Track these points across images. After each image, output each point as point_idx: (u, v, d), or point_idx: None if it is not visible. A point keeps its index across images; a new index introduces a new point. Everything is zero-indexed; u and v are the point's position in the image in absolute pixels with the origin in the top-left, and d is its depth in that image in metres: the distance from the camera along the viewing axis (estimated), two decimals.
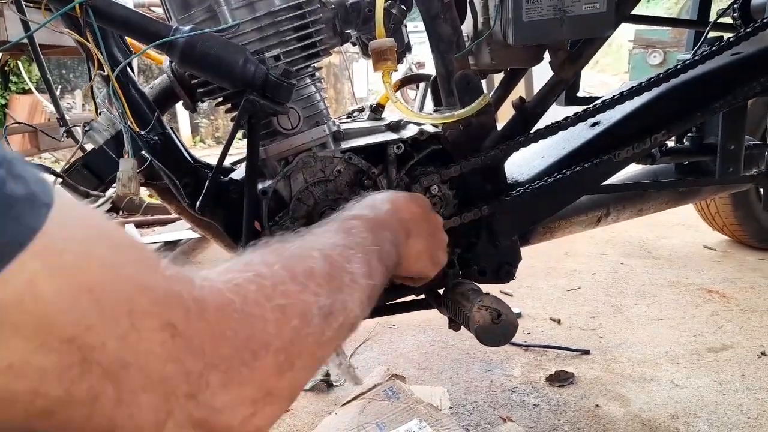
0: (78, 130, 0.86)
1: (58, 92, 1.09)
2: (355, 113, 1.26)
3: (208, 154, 7.26)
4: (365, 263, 0.56)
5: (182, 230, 2.67)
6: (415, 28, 2.04)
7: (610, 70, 11.34)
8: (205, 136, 8.60)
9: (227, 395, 0.38)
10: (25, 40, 0.91)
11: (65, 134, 0.92)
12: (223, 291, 0.41)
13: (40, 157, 6.43)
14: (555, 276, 2.33)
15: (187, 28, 0.83)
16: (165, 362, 0.34)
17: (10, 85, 7.10)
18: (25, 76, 6.14)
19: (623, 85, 1.58)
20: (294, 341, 0.44)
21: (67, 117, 1.03)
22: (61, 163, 6.17)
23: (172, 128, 1.04)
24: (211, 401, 0.37)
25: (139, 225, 3.19)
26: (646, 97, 1.13)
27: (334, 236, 0.57)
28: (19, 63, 4.74)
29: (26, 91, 7.19)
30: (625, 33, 8.03)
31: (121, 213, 3.43)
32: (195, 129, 8.38)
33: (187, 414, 0.36)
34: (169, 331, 0.35)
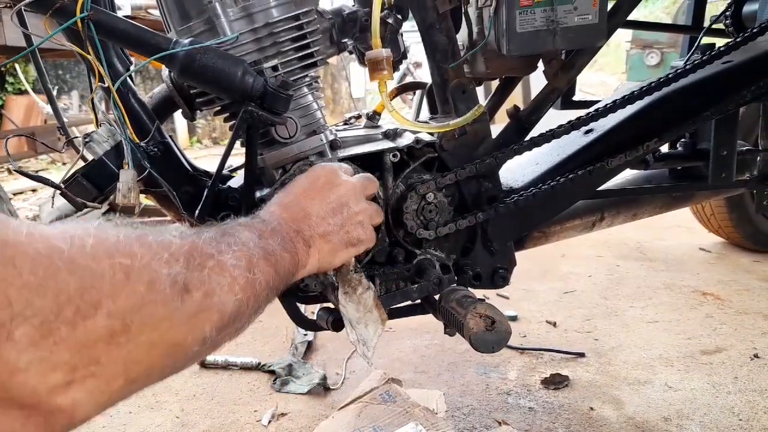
0: (79, 141, 0.88)
1: (54, 92, 1.10)
2: (352, 120, 1.28)
3: (205, 155, 7.27)
4: (242, 257, 0.52)
5: None
6: (413, 27, 2.05)
7: (609, 69, 11.36)
8: (202, 136, 8.61)
9: (36, 353, 0.32)
10: (25, 44, 0.93)
11: (66, 144, 0.94)
12: (49, 237, 0.35)
13: (37, 159, 6.44)
14: (551, 279, 2.34)
15: (186, 40, 0.84)
16: None
17: (6, 85, 7.09)
18: (22, 77, 6.14)
19: (620, 86, 1.59)
20: (136, 308, 0.38)
21: (64, 119, 1.04)
22: (57, 165, 6.14)
23: (170, 136, 1.05)
24: (12, 358, 0.31)
25: None
26: (638, 105, 1.15)
27: (210, 233, 0.53)
28: (16, 65, 4.74)
29: (23, 92, 7.19)
30: (623, 33, 8.05)
31: (118, 214, 3.44)
32: (192, 130, 8.38)
33: None
34: None
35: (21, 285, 0.32)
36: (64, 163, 6.15)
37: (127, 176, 0.84)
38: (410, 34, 1.98)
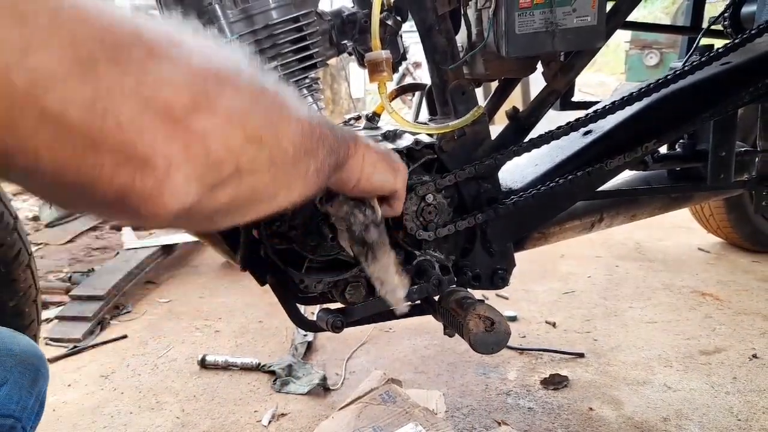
0: None
1: None
2: (352, 121, 1.28)
3: None
4: (303, 106, 0.52)
5: (180, 234, 2.69)
6: (412, 27, 2.06)
7: (608, 70, 11.36)
8: None
9: (162, 66, 0.35)
10: None
11: None
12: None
13: None
14: (550, 279, 2.35)
15: None
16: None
17: None
18: None
19: (619, 87, 1.60)
20: (255, 78, 0.43)
21: None
22: None
23: None
24: (155, 70, 0.35)
25: (136, 228, 3.20)
26: (637, 106, 1.15)
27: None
28: None
29: None
30: (622, 33, 8.05)
31: None
32: None
33: (116, 77, 0.33)
34: None
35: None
36: None
37: None
38: (409, 35, 1.98)
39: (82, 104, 0.31)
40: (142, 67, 0.34)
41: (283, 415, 1.49)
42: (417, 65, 7.23)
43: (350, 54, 1.17)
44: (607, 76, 10.91)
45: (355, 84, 9.44)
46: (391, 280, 0.78)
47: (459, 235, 1.11)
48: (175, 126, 0.36)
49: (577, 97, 1.57)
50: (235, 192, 0.42)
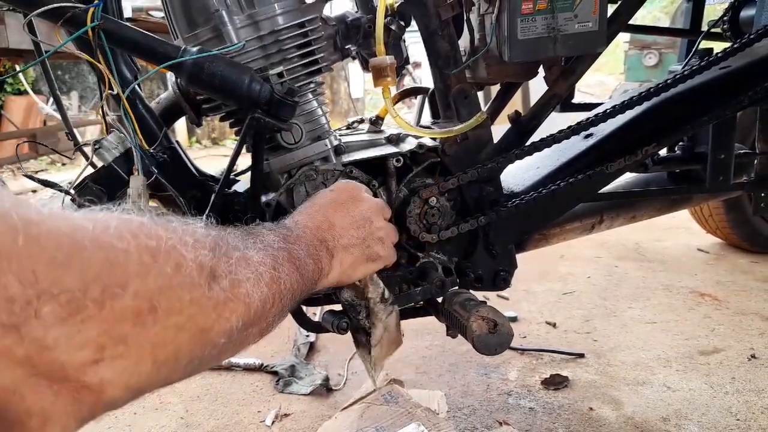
0: (88, 147, 0.89)
1: None
2: (355, 124, 1.30)
3: (204, 155, 7.28)
4: (267, 255, 0.51)
5: None
6: (411, 28, 2.06)
7: (607, 70, 11.37)
8: (201, 137, 8.62)
9: (63, 330, 0.32)
10: (30, 47, 0.94)
11: (75, 150, 0.95)
12: (72, 218, 0.35)
13: (37, 160, 6.45)
14: (550, 279, 2.36)
15: (194, 48, 0.86)
16: None
17: (6, 86, 7.09)
18: (22, 77, 6.14)
19: (619, 87, 1.61)
20: (164, 290, 0.37)
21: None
22: (57, 166, 6.13)
23: (177, 142, 1.07)
24: (40, 335, 0.31)
25: None
26: (637, 110, 1.17)
27: (234, 231, 0.53)
28: (16, 66, 4.75)
29: (22, 92, 7.20)
30: (622, 34, 8.04)
31: None
32: (191, 130, 8.39)
33: (5, 348, 0.30)
34: None
35: (47, 262, 0.31)
36: (63, 164, 6.16)
37: (137, 182, 0.86)
38: (409, 34, 1.99)
39: None
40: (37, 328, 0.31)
41: (286, 415, 1.51)
42: (417, 65, 7.25)
43: (354, 58, 1.18)
44: (606, 76, 10.93)
45: (355, 84, 9.46)
46: (378, 348, 0.85)
47: (462, 238, 1.13)
48: (63, 385, 0.33)
49: (576, 97, 1.58)
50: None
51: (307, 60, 1.00)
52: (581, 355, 1.73)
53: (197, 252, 0.41)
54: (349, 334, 0.99)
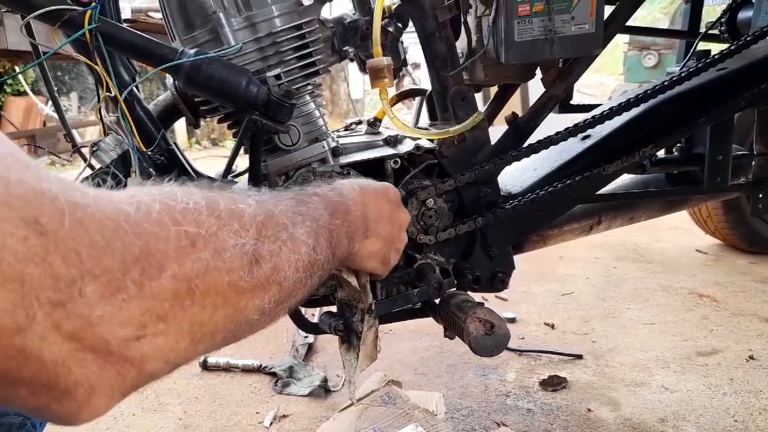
0: (86, 151, 0.89)
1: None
2: (353, 126, 1.30)
3: (204, 156, 7.28)
4: (311, 234, 0.52)
5: None
6: (411, 28, 2.06)
7: (606, 70, 11.38)
8: (201, 138, 8.62)
9: (106, 308, 0.34)
10: (29, 48, 0.95)
11: (74, 153, 0.95)
12: (116, 202, 0.36)
13: (37, 160, 6.44)
14: (549, 280, 2.36)
15: (192, 51, 0.86)
16: (25, 260, 0.30)
17: (5, 87, 7.09)
18: (21, 78, 6.14)
19: (618, 87, 1.61)
20: (201, 274, 0.39)
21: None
22: (57, 166, 6.13)
23: (175, 143, 1.07)
24: (85, 312, 0.33)
25: None
26: (634, 111, 1.17)
27: (286, 201, 0.54)
28: (16, 67, 4.75)
29: (21, 93, 7.20)
30: (621, 35, 8.05)
31: None
32: (190, 131, 8.39)
33: (54, 322, 0.31)
34: (34, 228, 0.30)
35: (89, 244, 0.33)
36: (63, 165, 6.16)
37: (134, 184, 0.86)
38: (408, 35, 2.00)
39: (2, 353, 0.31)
40: (84, 304, 0.33)
41: (284, 416, 1.51)
42: (416, 66, 7.26)
43: (352, 60, 1.18)
44: (605, 77, 10.94)
45: (355, 85, 9.46)
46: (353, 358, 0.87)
47: (459, 239, 1.13)
48: (107, 359, 0.35)
49: (576, 98, 1.58)
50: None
51: (305, 62, 1.00)
52: (579, 356, 1.73)
53: (240, 237, 0.43)
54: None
